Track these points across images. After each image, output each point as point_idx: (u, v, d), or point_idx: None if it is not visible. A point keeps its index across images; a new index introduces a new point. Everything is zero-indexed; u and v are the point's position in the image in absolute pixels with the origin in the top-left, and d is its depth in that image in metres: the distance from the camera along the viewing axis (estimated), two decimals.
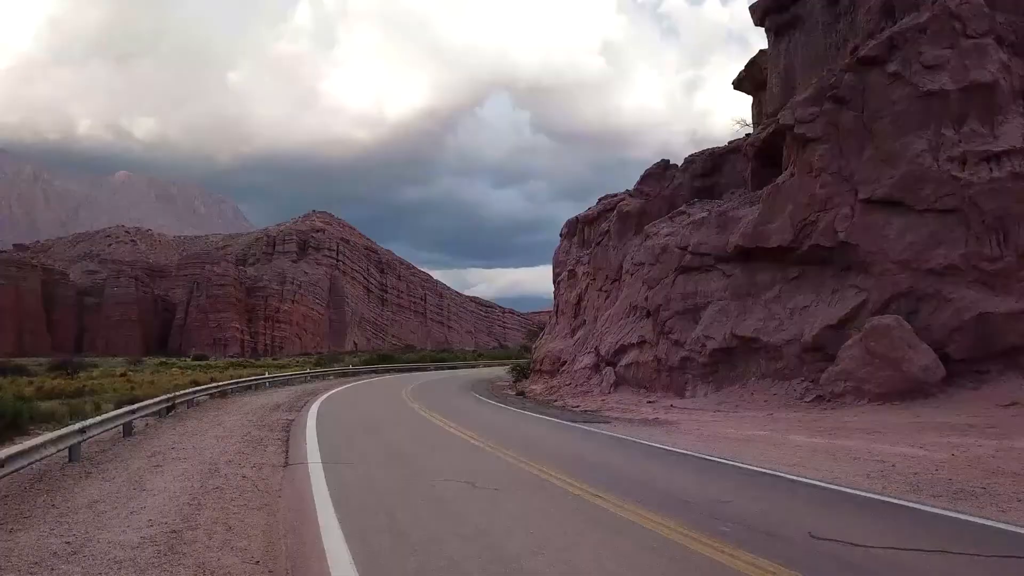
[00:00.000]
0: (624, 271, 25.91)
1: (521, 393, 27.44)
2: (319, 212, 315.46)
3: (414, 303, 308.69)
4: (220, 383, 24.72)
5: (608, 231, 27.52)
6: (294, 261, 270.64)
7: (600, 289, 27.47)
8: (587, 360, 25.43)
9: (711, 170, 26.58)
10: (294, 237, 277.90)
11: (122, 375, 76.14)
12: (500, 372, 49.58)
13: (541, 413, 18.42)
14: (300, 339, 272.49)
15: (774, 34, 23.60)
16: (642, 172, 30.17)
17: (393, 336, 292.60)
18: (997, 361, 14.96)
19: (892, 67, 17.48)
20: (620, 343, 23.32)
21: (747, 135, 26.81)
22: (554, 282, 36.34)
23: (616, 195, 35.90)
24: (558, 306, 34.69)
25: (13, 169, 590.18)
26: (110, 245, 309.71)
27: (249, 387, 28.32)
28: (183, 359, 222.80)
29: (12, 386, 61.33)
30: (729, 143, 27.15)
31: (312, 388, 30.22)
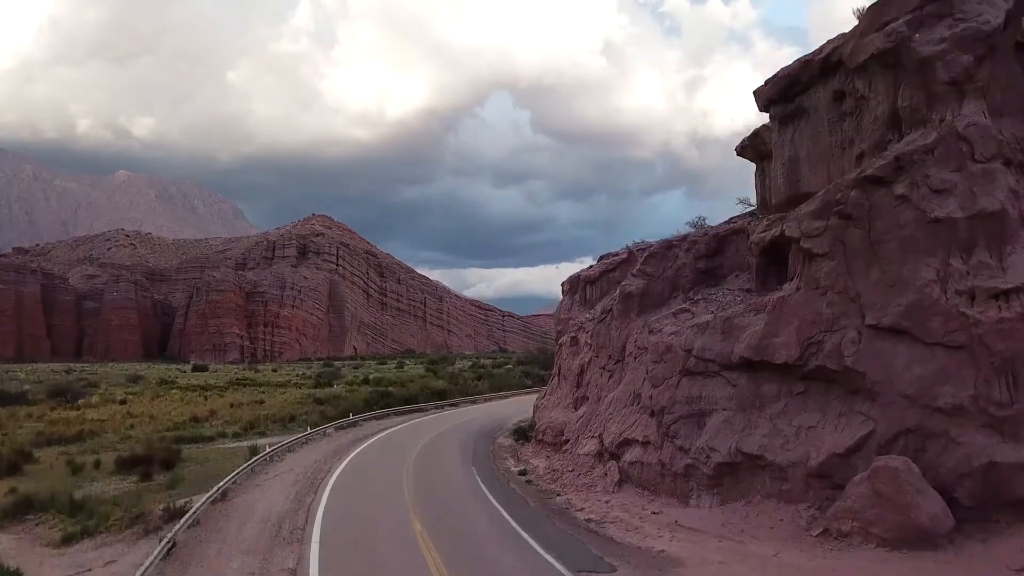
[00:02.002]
0: (627, 353, 25.77)
1: (523, 472, 27.32)
2: (319, 215, 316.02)
3: (414, 307, 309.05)
4: (221, 482, 24.00)
5: (611, 310, 27.36)
6: (294, 266, 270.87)
7: (603, 368, 27.33)
8: (591, 446, 25.29)
9: (714, 251, 26.41)
10: (294, 241, 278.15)
11: (121, 402, 76.22)
12: (504, 415, 49.42)
13: (545, 534, 18.19)
14: (300, 344, 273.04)
15: (779, 122, 23.36)
16: (642, 237, 30.14)
17: (392, 340, 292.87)
18: (1007, 512, 14.80)
19: (899, 189, 17.30)
20: (623, 436, 23.18)
21: (750, 215, 26.64)
22: (555, 339, 36.22)
23: (616, 253, 35.79)
24: (560, 368, 34.56)
25: (13, 168, 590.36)
26: (109, 249, 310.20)
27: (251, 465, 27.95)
28: (183, 364, 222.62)
29: (11, 422, 61.23)
30: (732, 221, 27.02)
31: (312, 463, 29.82)
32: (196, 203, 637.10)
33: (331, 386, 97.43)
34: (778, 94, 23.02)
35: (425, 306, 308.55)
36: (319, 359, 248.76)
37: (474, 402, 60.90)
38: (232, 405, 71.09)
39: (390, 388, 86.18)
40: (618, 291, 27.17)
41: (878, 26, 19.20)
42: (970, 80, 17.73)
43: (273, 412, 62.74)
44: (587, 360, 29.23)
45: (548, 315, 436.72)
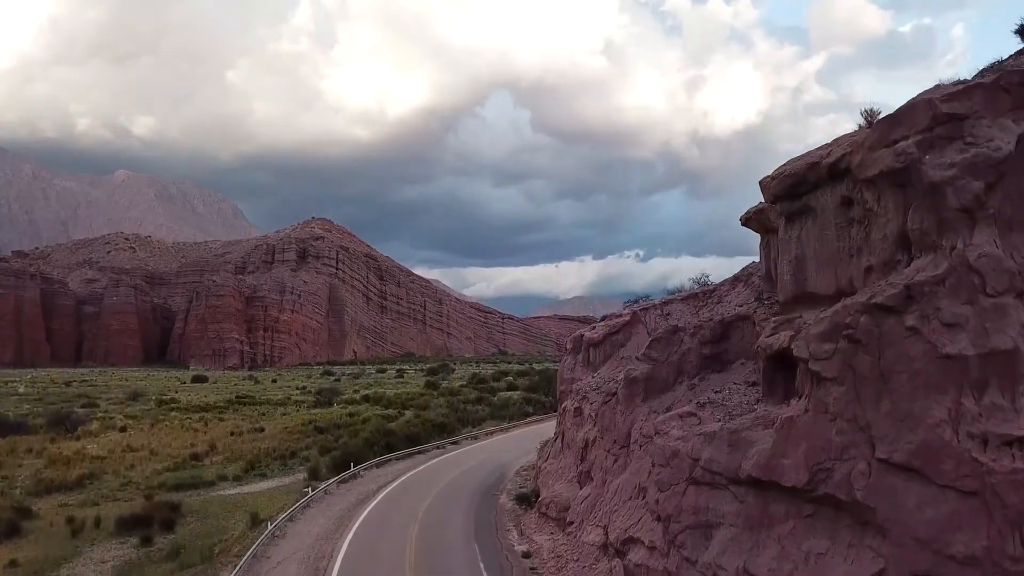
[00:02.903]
0: (632, 440, 25.62)
1: (528, 555, 27.21)
2: (319, 219, 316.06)
3: (413, 310, 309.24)
4: None
5: (615, 393, 27.19)
6: (293, 270, 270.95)
7: (608, 451, 27.18)
8: (595, 536, 25.15)
9: (720, 337, 26.23)
10: (293, 245, 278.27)
11: (122, 429, 76.25)
12: (506, 458, 49.30)
13: None
14: (299, 348, 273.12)
15: (785, 218, 23.19)
16: (638, 294, 30.02)
17: (392, 344, 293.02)
18: None
19: (909, 320, 17.11)
20: (629, 533, 23.03)
21: (757, 298, 26.47)
22: (558, 400, 36.13)
23: (620, 315, 35.68)
24: (563, 434, 34.41)
25: (12, 168, 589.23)
26: (109, 252, 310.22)
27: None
28: (183, 371, 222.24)
29: (11, 458, 61.11)
30: (737, 308, 26.81)
31: (315, 540, 29.61)
32: (196, 202, 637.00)
33: (331, 405, 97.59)
34: (784, 192, 22.84)
35: (425, 309, 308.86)
36: (319, 364, 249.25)
37: (475, 438, 60.55)
38: (232, 433, 71.06)
39: (389, 410, 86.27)
40: (623, 375, 27.01)
41: (887, 142, 19.00)
42: (981, 207, 17.54)
43: (273, 445, 62.65)
44: (591, 438, 29.08)
45: (547, 317, 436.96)
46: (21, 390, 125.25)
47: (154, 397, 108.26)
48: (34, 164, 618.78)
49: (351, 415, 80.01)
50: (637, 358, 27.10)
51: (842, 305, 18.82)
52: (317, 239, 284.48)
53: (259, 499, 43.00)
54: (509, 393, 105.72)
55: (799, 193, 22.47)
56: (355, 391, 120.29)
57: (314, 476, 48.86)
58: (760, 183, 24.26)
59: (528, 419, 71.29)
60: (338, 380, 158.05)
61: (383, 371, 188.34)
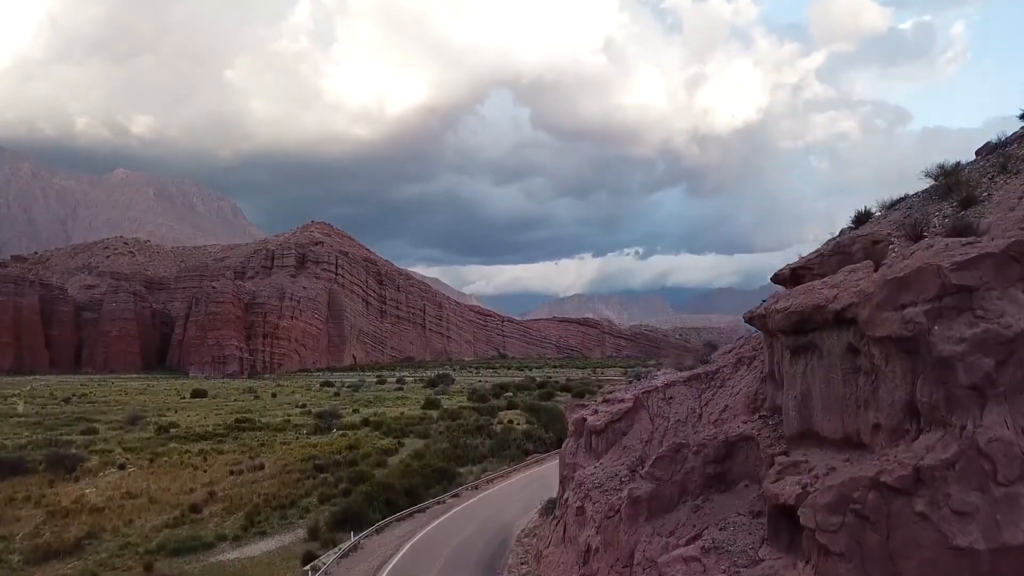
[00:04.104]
0: (636, 562, 25.38)
1: None
2: (318, 223, 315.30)
3: (413, 314, 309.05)
4: None
5: (619, 511, 26.97)
6: (293, 276, 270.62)
7: (611, 568, 26.95)
8: None
9: (724, 456, 25.96)
10: (292, 250, 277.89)
11: (121, 467, 76.19)
12: (508, 516, 49.19)
13: None
14: (299, 354, 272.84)
15: (791, 352, 22.91)
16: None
17: (392, 348, 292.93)
18: None
19: (919, 506, 16.81)
20: None
21: (762, 416, 26.22)
22: (560, 483, 35.90)
23: (622, 399, 35.35)
24: (565, 525, 34.19)
25: (11, 167, 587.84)
26: (108, 257, 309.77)
27: None
28: (183, 380, 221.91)
29: (9, 508, 60.99)
30: (742, 425, 26.55)
31: None
32: (195, 201, 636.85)
33: (330, 431, 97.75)
34: (790, 327, 22.54)
35: (424, 313, 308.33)
36: (318, 370, 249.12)
37: (476, 487, 60.25)
38: (232, 472, 70.98)
39: (388, 439, 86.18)
40: (627, 493, 26.77)
41: (896, 305, 18.66)
42: (992, 385, 17.20)
43: (273, 490, 62.47)
44: (594, 546, 28.85)
45: (547, 319, 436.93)
46: (20, 409, 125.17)
47: (153, 420, 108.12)
48: (33, 163, 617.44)
49: (351, 447, 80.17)
50: (641, 476, 26.88)
51: (849, 478, 18.51)
52: (316, 244, 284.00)
53: (258, 569, 42.84)
54: (509, 413, 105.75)
55: (804, 330, 22.16)
56: (355, 410, 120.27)
57: (313, 535, 48.79)
58: (766, 310, 23.98)
59: (528, 458, 71.11)
60: (337, 394, 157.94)
61: (382, 381, 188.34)
